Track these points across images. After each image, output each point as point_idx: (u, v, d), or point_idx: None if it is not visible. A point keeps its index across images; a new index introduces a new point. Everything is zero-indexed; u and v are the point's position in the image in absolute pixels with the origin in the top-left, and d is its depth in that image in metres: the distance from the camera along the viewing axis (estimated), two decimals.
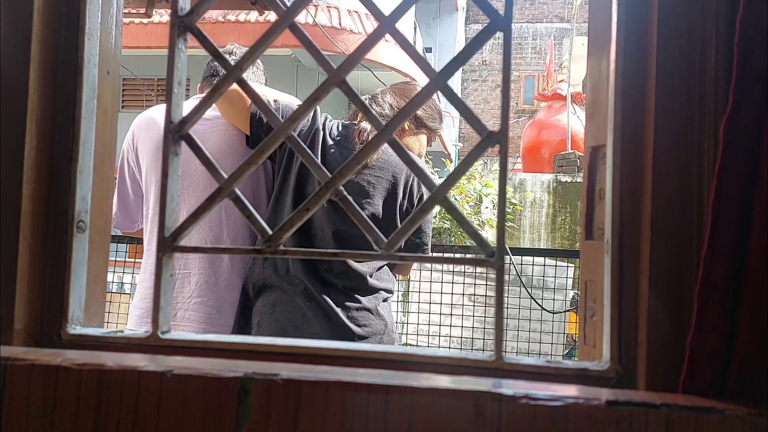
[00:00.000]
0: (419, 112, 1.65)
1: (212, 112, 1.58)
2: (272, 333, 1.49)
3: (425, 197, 1.59)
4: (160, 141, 1.58)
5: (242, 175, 0.59)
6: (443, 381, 0.50)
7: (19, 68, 0.61)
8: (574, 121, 9.35)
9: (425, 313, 3.25)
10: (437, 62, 13.38)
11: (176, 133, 0.60)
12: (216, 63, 1.75)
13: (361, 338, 1.49)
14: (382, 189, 1.55)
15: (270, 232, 0.58)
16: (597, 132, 0.63)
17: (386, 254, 0.56)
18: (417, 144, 1.69)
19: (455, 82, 15.24)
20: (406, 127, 1.66)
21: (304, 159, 0.59)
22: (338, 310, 1.48)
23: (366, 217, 0.58)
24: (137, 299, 1.64)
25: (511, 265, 2.45)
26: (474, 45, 0.56)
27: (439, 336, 3.30)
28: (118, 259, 3.27)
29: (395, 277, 1.70)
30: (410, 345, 3.49)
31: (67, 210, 0.63)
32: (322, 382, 0.50)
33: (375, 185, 1.53)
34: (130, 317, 1.65)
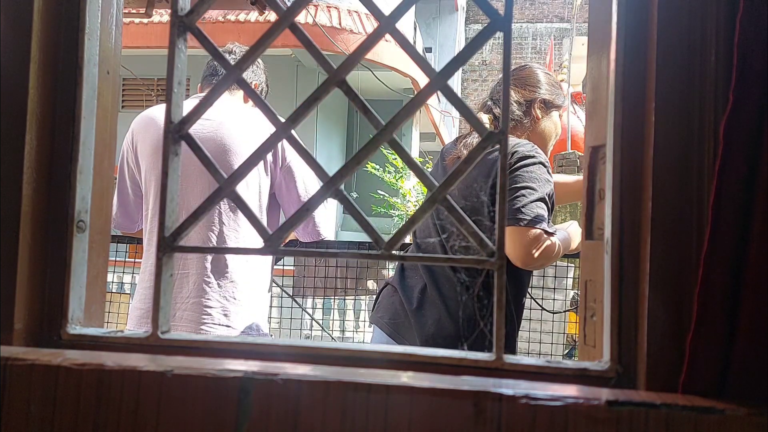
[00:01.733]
0: (547, 96, 1.64)
1: (213, 112, 1.58)
2: (385, 312, 1.60)
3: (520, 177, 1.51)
4: (159, 141, 1.59)
5: (242, 174, 0.59)
6: (443, 381, 0.50)
7: (19, 68, 0.61)
8: (574, 120, 9.33)
9: None
10: (437, 62, 13.38)
11: (176, 133, 0.59)
12: (216, 62, 1.75)
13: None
14: (480, 187, 1.54)
15: (269, 232, 0.58)
16: (597, 132, 0.63)
17: (386, 254, 0.56)
18: (552, 125, 1.67)
19: (455, 82, 15.24)
20: (540, 116, 1.64)
21: (306, 159, 0.60)
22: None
23: (367, 219, 0.58)
24: (137, 300, 1.64)
25: None
26: (474, 45, 0.56)
27: None
28: (118, 259, 3.26)
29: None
30: None
31: (67, 210, 0.63)
32: (322, 382, 0.50)
33: (476, 188, 1.55)
34: (129, 318, 1.65)
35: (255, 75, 1.79)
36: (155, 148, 1.62)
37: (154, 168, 1.63)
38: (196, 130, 1.52)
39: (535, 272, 3.41)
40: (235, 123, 1.61)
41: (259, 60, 1.76)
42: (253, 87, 1.75)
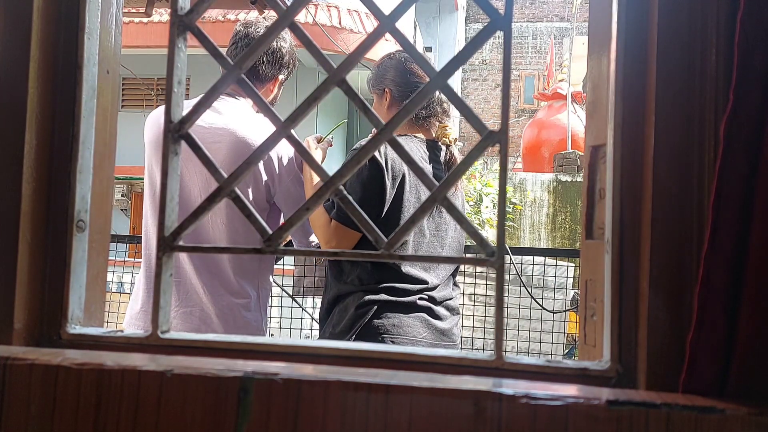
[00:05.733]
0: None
1: (214, 118, 1.57)
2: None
3: None
4: (157, 138, 1.59)
5: (241, 174, 0.59)
6: (443, 381, 0.50)
7: (19, 68, 0.61)
8: (574, 120, 9.34)
9: None
10: (437, 61, 13.37)
11: (176, 132, 0.59)
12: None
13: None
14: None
15: (269, 231, 0.58)
16: (597, 131, 0.63)
17: (386, 254, 0.56)
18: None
19: (455, 82, 15.23)
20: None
21: (306, 159, 0.60)
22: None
23: (370, 221, 0.57)
24: (131, 299, 1.66)
25: (511, 264, 2.45)
26: (474, 44, 0.56)
27: None
28: (118, 258, 3.26)
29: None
30: None
31: (66, 210, 0.63)
32: (322, 382, 0.50)
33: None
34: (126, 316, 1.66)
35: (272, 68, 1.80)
36: (152, 145, 1.62)
37: (150, 166, 1.63)
38: (204, 138, 1.51)
39: (535, 272, 3.42)
40: (248, 132, 1.60)
41: (283, 48, 1.74)
42: (274, 82, 1.78)
